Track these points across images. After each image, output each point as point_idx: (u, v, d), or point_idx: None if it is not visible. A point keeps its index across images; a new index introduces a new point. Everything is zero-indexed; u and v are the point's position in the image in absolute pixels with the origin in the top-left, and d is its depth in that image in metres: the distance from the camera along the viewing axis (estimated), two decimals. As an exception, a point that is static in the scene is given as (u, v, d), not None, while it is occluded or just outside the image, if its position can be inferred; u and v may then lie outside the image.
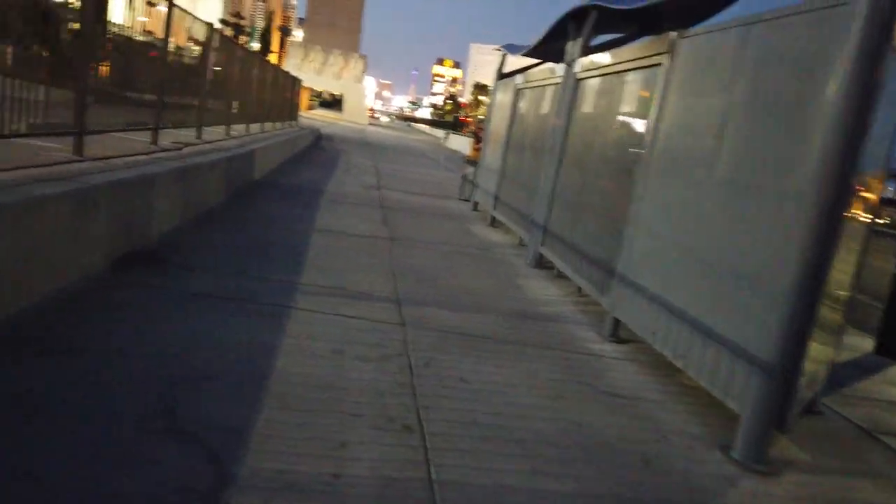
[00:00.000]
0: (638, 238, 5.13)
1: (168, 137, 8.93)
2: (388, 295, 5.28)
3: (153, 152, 7.50)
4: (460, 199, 13.88)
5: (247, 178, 9.96)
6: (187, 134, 9.86)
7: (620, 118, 6.10)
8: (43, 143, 5.91)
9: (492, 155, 11.68)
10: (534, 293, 6.43)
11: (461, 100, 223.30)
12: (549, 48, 10.37)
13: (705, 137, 4.32)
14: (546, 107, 8.87)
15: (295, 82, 25.11)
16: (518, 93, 10.30)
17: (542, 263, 7.80)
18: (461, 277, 6.47)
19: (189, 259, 5.30)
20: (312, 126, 27.12)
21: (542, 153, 8.47)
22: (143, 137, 7.80)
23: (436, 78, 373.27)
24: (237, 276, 5.07)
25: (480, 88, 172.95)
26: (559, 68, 8.20)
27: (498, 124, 11.53)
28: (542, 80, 9.05)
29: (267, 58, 51.50)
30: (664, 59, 4.97)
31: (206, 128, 11.10)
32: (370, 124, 66.06)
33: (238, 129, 13.95)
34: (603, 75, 6.63)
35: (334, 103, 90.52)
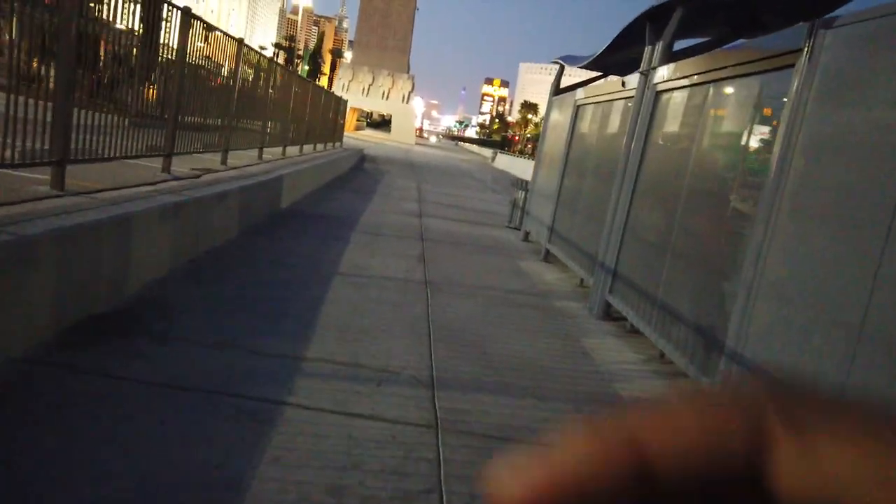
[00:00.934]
0: (758, 301, 3.75)
1: (191, 163, 8.01)
2: (418, 373, 4.02)
3: (161, 182, 6.51)
4: (509, 227, 12.59)
5: (271, 208, 8.93)
6: (213, 159, 8.94)
7: (723, 138, 4.74)
8: (26, 174, 4.94)
9: (546, 179, 10.38)
10: (605, 361, 5.06)
11: (509, 119, 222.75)
12: (614, 58, 9.05)
13: (879, 163, 2.95)
14: (614, 125, 7.54)
15: (339, 103, 24.40)
16: (578, 109, 9.00)
17: (609, 313, 6.43)
18: (513, 339, 5.16)
19: (167, 324, 4.17)
20: (356, 147, 26.35)
21: (609, 179, 7.14)
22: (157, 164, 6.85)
23: (484, 97, 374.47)
24: (224, 349, 3.90)
25: (528, 107, 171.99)
26: (632, 79, 6.88)
27: (553, 144, 10.23)
28: (609, 94, 7.73)
29: (317, 80, 51.55)
30: (799, 59, 3.61)
31: (236, 152, 10.21)
32: (417, 144, 65.51)
33: (274, 152, 13.08)
34: (694, 85, 5.28)
35: (382, 124, 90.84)
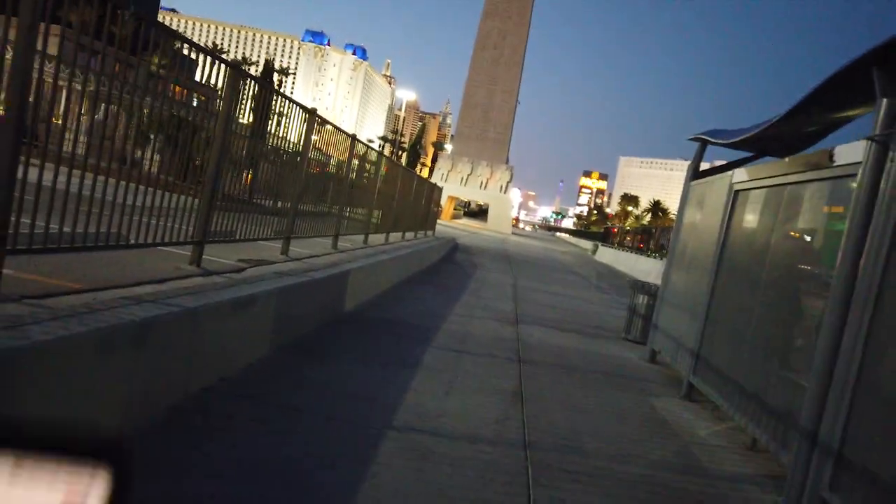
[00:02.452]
0: None
1: (248, 253, 6.41)
2: None
3: (176, 279, 4.80)
4: (627, 340, 10.11)
5: (329, 312, 7.08)
6: (276, 247, 7.36)
7: None
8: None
9: (684, 284, 7.97)
10: None
11: (608, 210, 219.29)
12: (780, 132, 6.78)
13: None
14: (808, 216, 5.20)
15: (433, 189, 23.18)
16: (737, 196, 6.69)
17: (828, 520, 3.88)
18: None
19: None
20: (449, 236, 24.84)
21: (809, 296, 4.73)
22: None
23: (582, 189, 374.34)
24: None
25: (628, 199, 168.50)
26: (846, 151, 4.57)
27: (695, 241, 7.88)
28: (794, 173, 5.41)
29: (415, 170, 51.91)
30: None
31: (309, 239, 8.63)
32: (513, 234, 64.01)
33: (355, 240, 11.53)
34: None
35: (479, 213, 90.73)
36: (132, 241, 4.65)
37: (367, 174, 12.15)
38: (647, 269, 25.43)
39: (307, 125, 7.70)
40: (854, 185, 4.27)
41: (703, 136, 8.47)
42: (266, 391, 4.37)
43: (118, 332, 3.17)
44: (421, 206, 19.69)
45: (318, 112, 7.99)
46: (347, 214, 10.95)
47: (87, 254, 4.11)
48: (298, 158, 7.92)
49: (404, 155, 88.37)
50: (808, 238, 5.18)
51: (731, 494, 4.26)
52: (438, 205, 25.82)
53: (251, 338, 4.93)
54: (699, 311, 6.94)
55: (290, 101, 7.26)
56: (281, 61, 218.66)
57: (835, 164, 4.72)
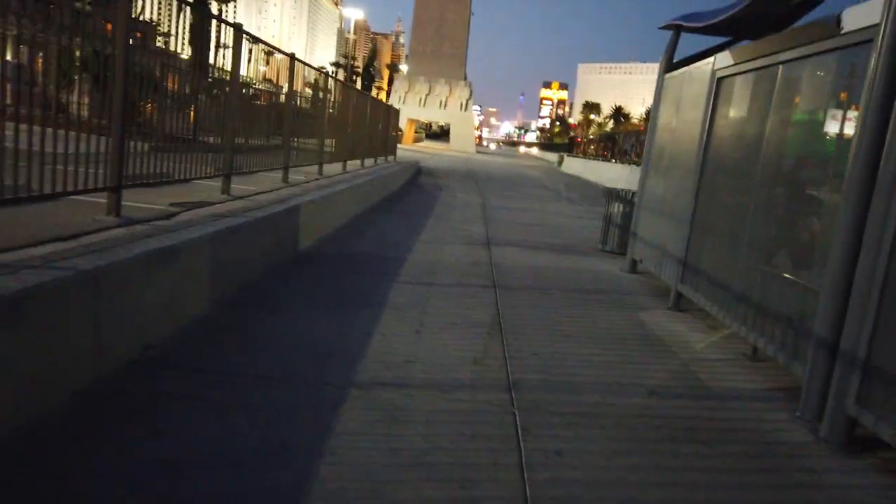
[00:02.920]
0: None
1: (183, 195, 5.62)
2: None
3: (89, 233, 4.03)
4: (604, 251, 9.63)
5: (281, 253, 6.35)
6: (217, 187, 6.55)
7: None
8: None
9: (665, 190, 7.39)
10: None
11: (570, 121, 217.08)
12: (765, 10, 6.05)
13: None
14: (810, 98, 4.57)
15: (390, 112, 22.00)
16: (720, 84, 6.01)
17: (849, 431, 3.46)
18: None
19: None
20: (412, 160, 23.88)
21: (813, 189, 4.19)
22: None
23: (543, 101, 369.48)
24: None
25: (590, 107, 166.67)
26: (858, 14, 3.88)
27: (675, 140, 7.25)
28: (790, 49, 4.72)
29: (370, 92, 49.86)
30: None
31: (254, 175, 7.82)
32: (477, 152, 62.84)
33: (309, 171, 10.68)
34: None
35: (441, 134, 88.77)
36: (35, 193, 3.85)
37: (313, 99, 11.13)
38: (614, 176, 24.96)
39: (234, 45, 6.71)
40: (873, 54, 3.61)
41: (677, 23, 7.67)
42: (201, 357, 3.71)
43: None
44: (378, 130, 18.63)
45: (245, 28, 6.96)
46: (296, 145, 10.06)
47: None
48: (227, 87, 6.98)
49: (358, 80, 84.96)
50: (810, 124, 4.56)
51: (742, 417, 3.81)
52: (398, 129, 24.67)
53: (181, 294, 4.21)
54: (684, 216, 6.39)
55: (206, 15, 6.20)
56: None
57: (843, 32, 4.04)
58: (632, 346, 5.04)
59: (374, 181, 12.38)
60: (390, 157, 21.43)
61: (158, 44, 6.46)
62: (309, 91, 11.69)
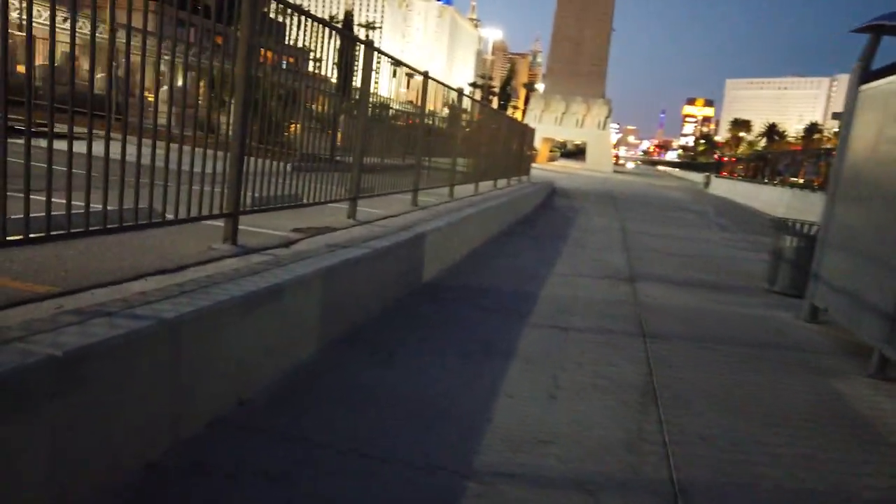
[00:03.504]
0: None
1: (312, 219, 5.33)
2: None
3: (201, 262, 3.72)
4: (771, 291, 8.23)
5: (401, 286, 5.82)
6: (361, 210, 6.24)
7: None
8: None
9: (864, 221, 6.02)
10: None
11: (717, 139, 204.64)
12: None
13: None
14: None
15: (525, 131, 21.34)
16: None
17: None
18: None
19: None
20: (546, 180, 23.01)
21: None
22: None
23: (686, 119, 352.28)
24: None
25: (739, 124, 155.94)
26: None
27: (879, 163, 5.88)
28: None
29: (506, 112, 49.69)
30: None
31: (384, 197, 7.47)
32: (615, 171, 60.47)
33: (441, 193, 10.27)
34: None
35: (577, 153, 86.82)
36: (157, 219, 3.56)
37: (448, 119, 10.71)
38: (771, 199, 22.50)
39: (364, 61, 6.34)
40: None
41: (878, 23, 6.30)
42: (294, 418, 3.16)
43: (26, 380, 2.01)
44: (512, 150, 18.02)
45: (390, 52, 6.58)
46: (428, 165, 9.65)
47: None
48: (355, 102, 6.62)
49: (495, 99, 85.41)
50: None
51: None
52: (532, 148, 23.94)
53: (285, 339, 3.74)
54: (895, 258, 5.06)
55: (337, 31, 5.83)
56: (366, 15, 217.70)
57: None
58: (829, 431, 3.89)
59: (506, 204, 11.71)
60: (524, 177, 20.74)
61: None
62: (445, 111, 11.31)
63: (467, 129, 13.47)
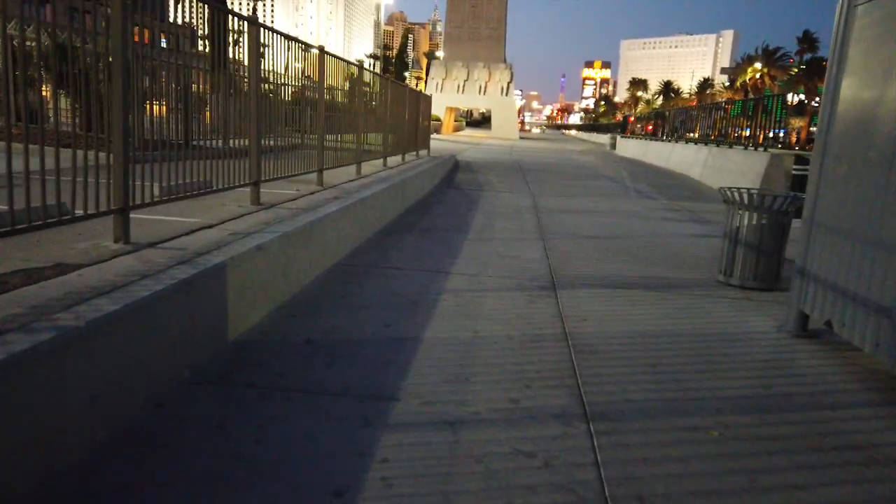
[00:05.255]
0: None
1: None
2: None
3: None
4: (726, 284, 6.37)
5: (178, 360, 3.34)
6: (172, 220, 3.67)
7: None
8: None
9: (877, 198, 4.06)
10: None
11: (616, 100, 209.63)
12: None
13: None
14: None
15: (419, 99, 18.87)
16: None
17: None
18: None
19: None
20: (448, 153, 20.75)
21: None
22: None
23: (585, 82, 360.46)
24: None
25: (637, 84, 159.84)
26: None
27: (892, 110, 3.91)
28: None
29: (405, 83, 47.01)
30: None
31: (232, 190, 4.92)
32: (521, 138, 59.15)
33: (308, 180, 7.84)
34: None
35: (483, 122, 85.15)
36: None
37: (291, 85, 8.13)
38: (686, 159, 21.26)
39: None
40: None
41: None
42: None
43: None
44: (405, 121, 15.58)
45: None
46: (272, 143, 7.17)
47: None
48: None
49: (392, 70, 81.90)
50: None
51: None
52: (428, 118, 21.57)
53: None
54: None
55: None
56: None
57: None
58: None
59: (390, 190, 9.31)
60: (422, 152, 18.38)
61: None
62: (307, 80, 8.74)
63: (339, 101, 10.92)
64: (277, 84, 7.76)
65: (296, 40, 7.68)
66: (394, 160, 13.70)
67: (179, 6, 4.94)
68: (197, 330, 3.58)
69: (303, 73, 8.80)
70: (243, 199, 6.35)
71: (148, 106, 4.59)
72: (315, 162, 8.52)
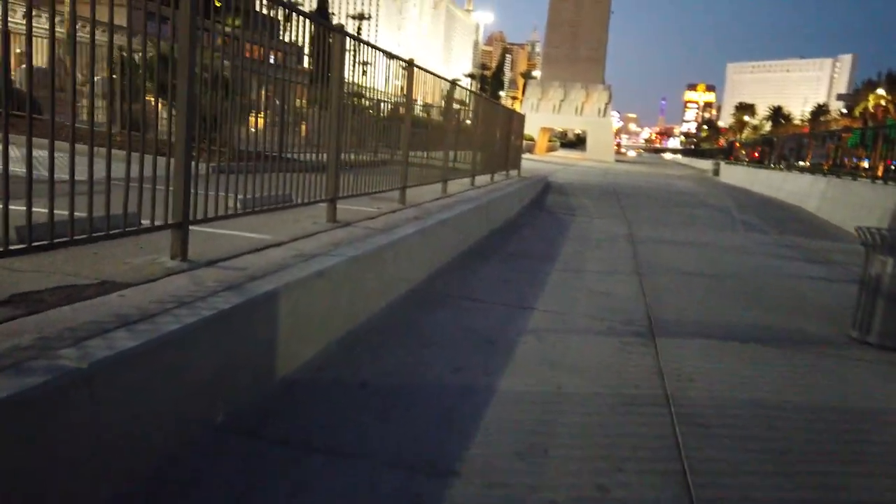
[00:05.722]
0: None
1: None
2: None
3: None
4: (862, 342, 5.35)
5: (216, 401, 2.92)
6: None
7: None
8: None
9: None
10: None
11: (720, 124, 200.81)
12: None
13: None
14: None
15: (513, 118, 18.33)
16: None
17: None
18: None
19: None
20: (540, 174, 20.05)
21: None
22: None
23: (687, 105, 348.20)
24: None
25: (743, 108, 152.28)
26: None
27: None
28: None
29: (500, 102, 46.81)
30: None
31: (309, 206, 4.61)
32: (617, 161, 57.36)
33: (391, 198, 7.51)
34: None
35: (578, 143, 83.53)
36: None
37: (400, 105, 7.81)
38: (801, 189, 19.49)
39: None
40: None
41: None
42: None
43: None
44: (494, 140, 15.07)
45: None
46: (350, 159, 6.86)
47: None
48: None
49: (489, 89, 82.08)
50: None
51: None
52: (523, 137, 20.98)
53: None
54: None
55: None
56: (359, 6, 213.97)
57: None
58: None
59: (474, 211, 8.78)
60: (513, 172, 17.79)
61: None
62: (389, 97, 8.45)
63: (427, 116, 10.58)
64: (360, 96, 7.48)
65: (380, 49, 7.35)
66: (483, 179, 13.20)
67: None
68: (237, 368, 3.15)
69: (391, 87, 8.52)
70: (320, 216, 6.01)
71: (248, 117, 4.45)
72: (399, 179, 8.14)
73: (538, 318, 5.37)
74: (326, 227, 5.67)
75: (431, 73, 9.63)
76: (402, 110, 8.43)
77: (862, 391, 4.33)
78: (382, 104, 8.60)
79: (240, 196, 4.37)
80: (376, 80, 7.33)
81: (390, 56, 8.35)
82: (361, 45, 6.80)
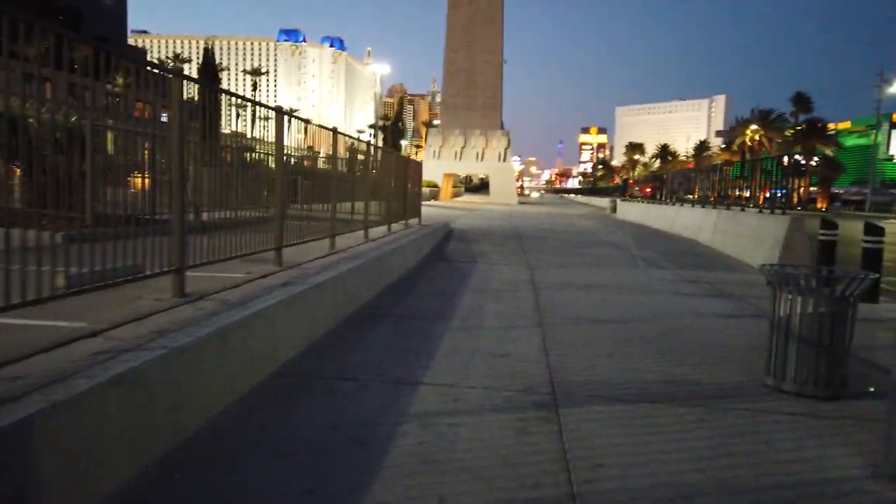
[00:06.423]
0: None
1: None
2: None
3: None
4: (779, 390, 4.90)
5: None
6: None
7: None
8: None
9: None
10: None
11: (614, 163, 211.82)
12: None
13: None
14: None
15: (408, 166, 17.80)
16: None
17: None
18: None
19: None
20: (441, 221, 19.54)
21: None
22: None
23: (583, 147, 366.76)
24: None
25: (634, 148, 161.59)
26: None
27: None
28: None
29: (400, 153, 46.61)
30: None
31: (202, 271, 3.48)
32: (520, 203, 58.44)
33: (266, 259, 6.54)
34: None
35: (482, 187, 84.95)
36: None
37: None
38: (694, 222, 20.04)
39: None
40: None
41: None
42: None
43: None
44: (391, 189, 14.40)
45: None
46: (220, 217, 5.95)
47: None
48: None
49: (389, 139, 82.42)
50: None
51: None
52: (420, 185, 20.52)
53: None
54: None
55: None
56: (260, 64, 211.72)
57: None
58: None
59: (361, 269, 7.95)
60: (412, 220, 17.15)
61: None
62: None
63: (314, 167, 9.79)
64: (224, 147, 6.62)
65: (236, 95, 6.52)
66: (379, 231, 12.43)
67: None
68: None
69: (263, 136, 7.72)
70: (167, 289, 5.00)
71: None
72: (273, 239, 7.24)
73: (425, 395, 4.56)
74: (168, 305, 4.68)
75: (305, 121, 8.86)
76: (271, 161, 7.58)
77: (789, 457, 3.77)
78: (251, 154, 7.76)
79: (72, 270, 3.43)
80: (245, 127, 6.45)
81: (254, 103, 7.55)
82: (215, 92, 5.97)
